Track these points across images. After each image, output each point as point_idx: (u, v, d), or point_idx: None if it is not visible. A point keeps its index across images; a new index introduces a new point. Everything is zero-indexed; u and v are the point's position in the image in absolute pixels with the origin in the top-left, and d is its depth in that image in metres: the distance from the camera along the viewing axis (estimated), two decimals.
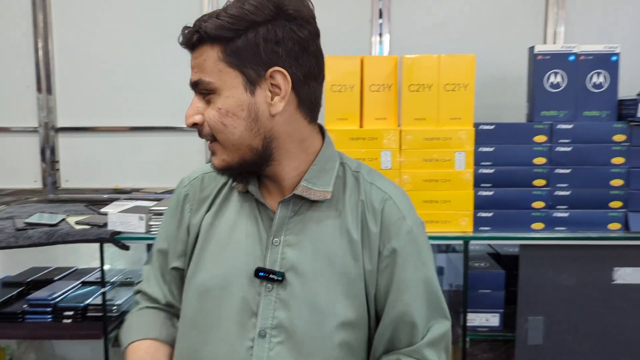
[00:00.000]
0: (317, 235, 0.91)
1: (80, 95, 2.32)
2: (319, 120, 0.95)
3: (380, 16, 2.26)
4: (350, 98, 1.82)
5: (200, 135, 0.90)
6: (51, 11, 2.27)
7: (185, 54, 0.88)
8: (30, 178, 2.35)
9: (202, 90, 0.87)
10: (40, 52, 2.27)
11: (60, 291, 2.05)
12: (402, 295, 0.90)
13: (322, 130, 0.96)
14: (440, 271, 2.35)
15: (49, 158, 2.33)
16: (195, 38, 0.86)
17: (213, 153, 0.91)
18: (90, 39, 2.29)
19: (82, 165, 2.35)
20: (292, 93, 0.87)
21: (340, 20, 2.27)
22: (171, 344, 0.98)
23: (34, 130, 2.32)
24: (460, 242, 1.82)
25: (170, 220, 1.02)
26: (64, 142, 2.34)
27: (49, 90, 2.29)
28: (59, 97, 2.31)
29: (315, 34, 0.89)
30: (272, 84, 0.86)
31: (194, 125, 0.89)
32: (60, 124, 2.33)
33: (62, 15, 2.28)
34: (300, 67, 0.87)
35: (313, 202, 0.92)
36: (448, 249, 2.20)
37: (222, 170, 0.91)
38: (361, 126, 1.83)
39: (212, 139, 0.89)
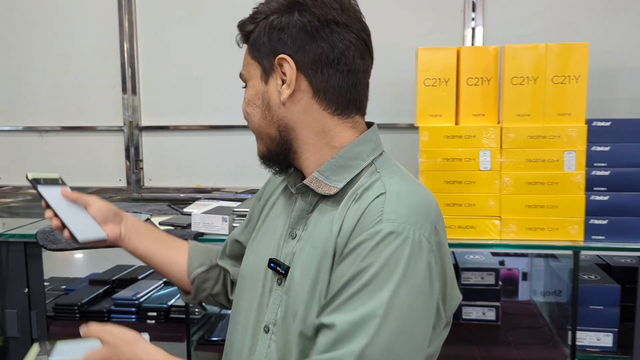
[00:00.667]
0: (313, 232, 0.88)
1: (164, 95, 2.31)
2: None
3: (474, 9, 2.10)
4: (445, 92, 1.68)
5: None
6: (136, 13, 2.28)
7: None
8: (115, 176, 2.37)
9: (243, 81, 0.95)
10: (126, 54, 2.29)
11: (144, 291, 2.05)
12: (357, 303, 0.75)
13: (365, 125, 0.92)
14: (525, 277, 2.18)
15: (133, 157, 2.34)
16: (239, 37, 0.94)
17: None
18: (173, 40, 2.28)
19: (164, 164, 2.35)
20: (305, 81, 0.87)
21: (429, 11, 2.12)
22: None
23: (119, 129, 2.34)
24: (568, 252, 1.64)
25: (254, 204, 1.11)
26: (147, 141, 2.34)
27: (134, 90, 2.31)
28: (143, 97, 2.32)
29: (329, 21, 0.86)
30: (282, 72, 0.87)
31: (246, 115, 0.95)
32: (144, 122, 2.34)
33: (147, 17, 2.29)
34: (307, 53, 0.86)
35: (323, 197, 0.89)
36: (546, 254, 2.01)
37: (260, 159, 0.95)
38: (457, 123, 1.68)
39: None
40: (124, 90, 2.31)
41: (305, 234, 0.89)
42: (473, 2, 2.09)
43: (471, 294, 1.91)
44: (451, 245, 1.65)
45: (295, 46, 0.86)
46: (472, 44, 2.11)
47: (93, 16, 2.31)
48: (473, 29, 2.11)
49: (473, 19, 2.10)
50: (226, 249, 1.14)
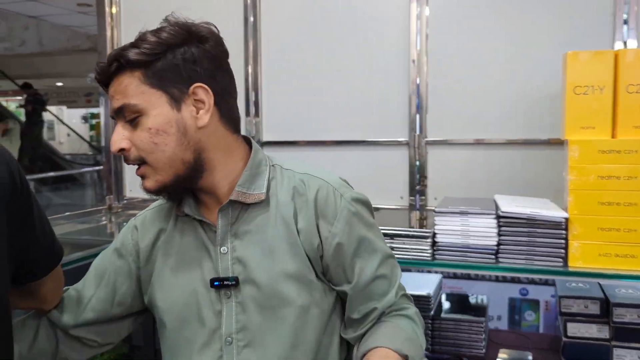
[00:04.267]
0: (258, 234, 0.99)
1: (285, 112, 2.30)
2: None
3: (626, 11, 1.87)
4: (600, 102, 1.48)
5: (127, 161, 0.95)
6: (261, 37, 2.30)
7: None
8: None
9: (128, 114, 0.93)
10: (250, 78, 2.31)
11: None
12: (368, 260, 1.01)
13: (248, 141, 1.05)
14: None
15: None
16: (114, 67, 0.93)
17: (143, 177, 0.96)
18: (296, 60, 2.27)
19: None
20: (214, 107, 0.96)
21: (574, 15, 1.92)
22: None
23: None
24: None
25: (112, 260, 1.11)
26: None
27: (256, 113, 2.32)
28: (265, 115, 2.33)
29: (226, 53, 1.01)
30: (195, 99, 0.95)
31: (121, 151, 0.94)
32: (265, 138, 2.34)
33: (271, 39, 2.30)
34: (218, 83, 0.97)
35: (250, 206, 0.99)
36: None
37: (157, 190, 0.96)
38: (614, 136, 1.47)
39: (141, 162, 0.95)
40: (247, 113, 2.33)
41: (240, 243, 0.99)
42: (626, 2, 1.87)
43: (624, 333, 1.65)
44: (607, 276, 1.44)
45: (207, 76, 0.96)
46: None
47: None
48: (626, 33, 1.87)
49: (625, 21, 1.87)
50: (79, 315, 1.08)
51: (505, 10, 1.97)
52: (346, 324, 1.04)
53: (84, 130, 10.97)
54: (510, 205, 1.54)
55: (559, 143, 1.72)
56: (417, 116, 2.11)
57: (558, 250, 1.47)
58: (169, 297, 1.03)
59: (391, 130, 2.15)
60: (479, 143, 2.05)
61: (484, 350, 1.78)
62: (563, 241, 1.47)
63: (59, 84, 10.79)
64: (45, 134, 10.03)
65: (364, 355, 0.95)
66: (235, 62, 0.98)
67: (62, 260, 0.98)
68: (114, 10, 2.48)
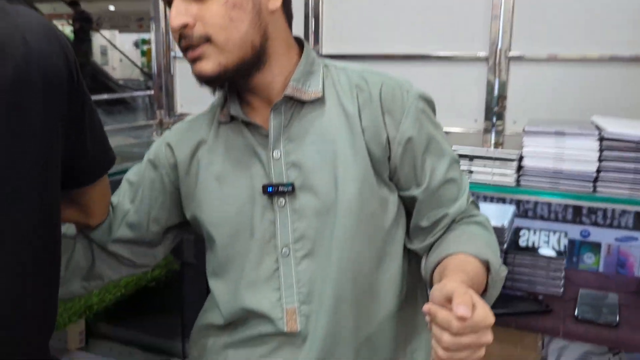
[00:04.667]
0: (316, 135, 0.89)
1: (347, 20, 2.08)
2: None
3: None
4: None
5: (186, 40, 0.83)
6: None
7: None
8: None
9: None
10: None
11: None
12: (438, 162, 0.91)
13: (298, 40, 0.95)
14: None
15: None
16: None
17: (201, 58, 0.83)
18: None
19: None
20: None
21: None
22: None
23: None
24: None
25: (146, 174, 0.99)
26: None
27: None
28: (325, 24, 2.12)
29: None
30: None
31: (183, 28, 0.81)
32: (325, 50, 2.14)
33: None
34: None
35: (304, 105, 0.90)
36: None
37: (217, 76, 0.84)
38: None
39: (204, 40, 0.82)
40: (306, 16, 2.12)
41: (294, 146, 0.89)
42: None
43: None
44: None
45: None
46: None
47: None
48: None
49: None
50: (116, 231, 0.99)
51: None
52: (412, 234, 0.94)
53: (135, 55, 10.96)
54: (617, 126, 1.32)
55: None
56: (500, 27, 1.85)
57: None
58: (216, 210, 0.93)
59: (470, 43, 1.90)
60: (568, 60, 1.78)
61: (562, 289, 1.61)
62: None
63: (111, 7, 10.71)
64: (99, 58, 10.09)
65: (439, 262, 0.86)
66: None
67: (110, 171, 0.90)
68: None
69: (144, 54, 11.24)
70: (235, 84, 0.91)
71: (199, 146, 0.96)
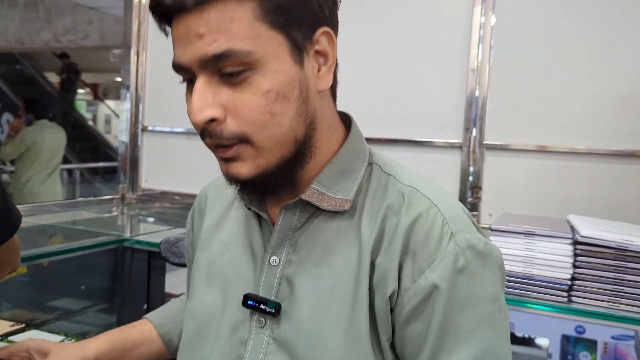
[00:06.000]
0: (324, 255, 0.68)
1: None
2: None
3: None
4: None
5: (213, 139, 0.63)
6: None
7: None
8: None
9: (229, 66, 0.60)
10: None
11: None
12: (455, 351, 0.62)
13: (345, 119, 0.74)
14: None
15: None
16: None
17: (236, 159, 0.64)
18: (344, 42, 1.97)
19: None
20: None
21: None
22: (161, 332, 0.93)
23: None
24: None
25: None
26: None
27: None
28: None
29: None
30: (316, 50, 0.65)
31: (209, 122, 0.62)
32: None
33: None
34: (335, 28, 0.67)
35: (324, 212, 0.69)
36: None
37: (253, 180, 0.65)
38: None
39: (239, 141, 0.63)
40: None
41: (296, 259, 0.70)
42: None
43: None
44: None
45: (332, 18, 0.66)
46: None
47: None
48: None
49: None
50: None
51: (584, 14, 1.62)
52: None
53: None
54: (592, 228, 1.18)
55: None
56: (474, 115, 1.76)
57: None
58: (195, 301, 0.79)
59: (443, 130, 1.81)
60: (547, 151, 1.68)
61: None
62: None
63: (118, 79, 11.01)
64: (103, 127, 10.25)
65: None
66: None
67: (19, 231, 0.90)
68: None
69: None
70: (268, 184, 0.69)
71: (202, 220, 0.84)
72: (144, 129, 2.33)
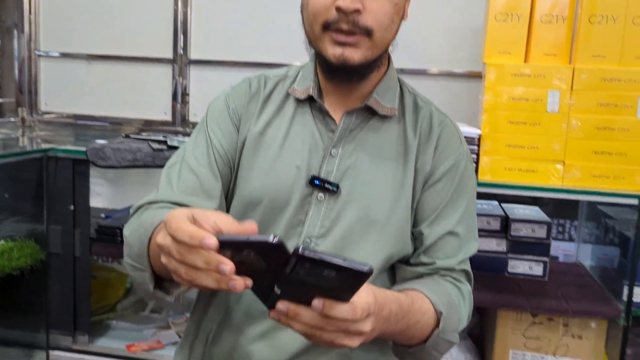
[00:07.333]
0: (375, 149, 0.89)
1: (214, 30, 2.27)
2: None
3: None
4: (516, 29, 1.61)
5: (348, 24, 0.80)
6: None
7: None
8: (160, 110, 2.35)
9: None
10: None
11: None
12: (454, 213, 0.91)
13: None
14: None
15: (180, 90, 2.31)
16: None
17: (353, 45, 0.82)
18: None
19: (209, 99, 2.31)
20: None
21: None
22: None
23: (168, 62, 2.31)
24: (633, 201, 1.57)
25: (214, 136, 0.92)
26: (195, 75, 2.31)
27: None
28: (193, 31, 2.29)
29: None
30: None
31: (354, 12, 0.80)
32: (194, 56, 2.30)
33: None
34: None
35: (375, 117, 0.90)
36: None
37: (359, 66, 0.84)
38: (526, 61, 1.62)
39: (364, 32, 0.81)
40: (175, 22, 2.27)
41: (353, 152, 0.89)
42: None
43: (519, 246, 1.85)
44: (510, 187, 1.60)
45: None
46: None
47: None
48: None
49: None
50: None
51: None
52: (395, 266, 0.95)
53: None
54: None
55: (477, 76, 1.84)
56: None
57: None
58: (261, 181, 0.89)
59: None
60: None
61: None
62: (475, 156, 1.60)
63: None
64: None
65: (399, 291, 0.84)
66: None
67: None
68: None
69: None
70: (356, 75, 0.88)
71: (264, 107, 0.93)
72: (40, 56, 2.41)
